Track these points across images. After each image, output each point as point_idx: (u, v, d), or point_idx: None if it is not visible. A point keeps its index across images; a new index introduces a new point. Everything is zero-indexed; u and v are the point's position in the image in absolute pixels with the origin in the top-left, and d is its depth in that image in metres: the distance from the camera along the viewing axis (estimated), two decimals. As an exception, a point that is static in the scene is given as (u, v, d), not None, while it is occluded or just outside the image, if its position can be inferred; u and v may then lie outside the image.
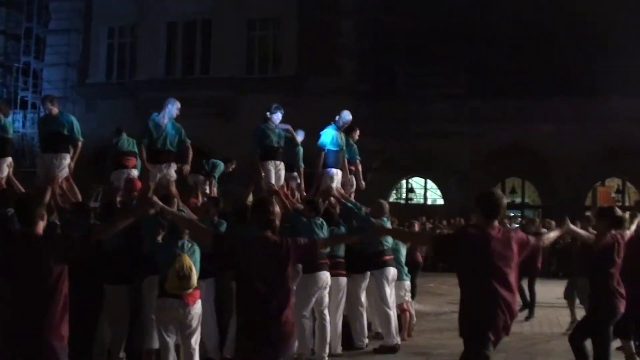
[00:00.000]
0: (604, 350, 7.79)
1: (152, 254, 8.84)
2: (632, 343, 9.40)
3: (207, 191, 13.30)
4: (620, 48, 32.12)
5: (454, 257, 6.51)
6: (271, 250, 5.88)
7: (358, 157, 13.84)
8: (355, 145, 13.80)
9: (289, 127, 12.94)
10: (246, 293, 5.88)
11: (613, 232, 8.02)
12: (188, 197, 12.29)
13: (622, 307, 7.93)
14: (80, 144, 11.77)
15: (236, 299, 6.08)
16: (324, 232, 10.52)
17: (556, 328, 14.07)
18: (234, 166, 14.59)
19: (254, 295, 5.80)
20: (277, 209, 6.11)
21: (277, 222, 6.05)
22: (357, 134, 13.91)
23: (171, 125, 11.51)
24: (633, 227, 8.59)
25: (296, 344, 10.22)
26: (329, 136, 12.73)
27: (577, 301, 13.36)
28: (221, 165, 13.94)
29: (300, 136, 13.47)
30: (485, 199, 6.35)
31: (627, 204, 35.70)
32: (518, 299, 6.45)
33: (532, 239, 6.52)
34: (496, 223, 6.26)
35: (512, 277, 6.21)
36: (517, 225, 20.08)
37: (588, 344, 8.03)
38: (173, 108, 11.49)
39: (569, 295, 13.74)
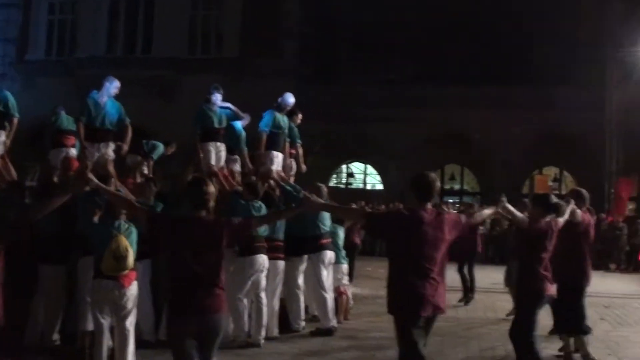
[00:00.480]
0: (529, 334, 7.89)
1: (88, 234, 8.75)
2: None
3: (145, 172, 13.17)
4: (558, 37, 32.55)
5: (385, 235, 6.62)
6: (205, 230, 5.86)
7: (299, 141, 13.83)
8: (296, 129, 13.79)
9: (229, 104, 12.87)
10: (178, 271, 5.85)
11: (547, 218, 8.12)
12: (126, 178, 12.17)
13: (548, 290, 8.04)
14: (16, 120, 11.45)
15: (169, 277, 6.03)
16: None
17: (491, 313, 14.27)
18: (173, 149, 14.46)
19: (187, 273, 5.78)
20: (211, 188, 6.05)
21: (212, 201, 6.01)
22: (299, 118, 13.88)
23: (110, 104, 11.35)
24: (566, 215, 8.69)
25: (232, 326, 10.30)
26: (269, 118, 12.70)
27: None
28: (160, 147, 13.78)
29: (246, 120, 13.35)
30: (419, 181, 6.41)
31: (564, 192, 36.18)
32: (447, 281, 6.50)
33: (463, 217, 6.62)
34: (429, 205, 6.33)
35: (442, 259, 6.29)
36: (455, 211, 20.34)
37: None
38: (111, 86, 11.33)
39: (509, 282, 13.94)
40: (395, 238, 6.32)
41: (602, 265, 25.52)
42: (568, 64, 31.98)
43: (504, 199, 7.64)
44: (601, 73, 31.28)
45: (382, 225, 6.56)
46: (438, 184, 6.47)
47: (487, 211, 7.44)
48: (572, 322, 9.40)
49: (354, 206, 15.19)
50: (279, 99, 12.97)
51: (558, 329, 9.97)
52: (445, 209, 21.57)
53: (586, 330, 9.34)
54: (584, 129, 32.75)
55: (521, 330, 7.91)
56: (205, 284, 5.77)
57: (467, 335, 11.74)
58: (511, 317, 12.82)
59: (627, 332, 12.63)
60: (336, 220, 12.27)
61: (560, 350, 10.11)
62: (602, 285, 18.62)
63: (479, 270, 16.49)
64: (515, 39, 33.36)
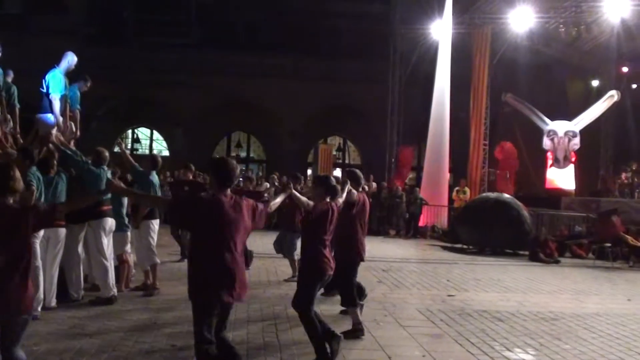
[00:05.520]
0: (310, 307, 8.19)
1: None
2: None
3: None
4: (347, 11, 33.31)
5: (188, 223, 6.67)
6: (9, 217, 5.63)
7: (78, 106, 13.40)
8: (78, 93, 13.38)
9: None
10: None
11: (328, 199, 8.45)
12: None
13: (330, 271, 8.39)
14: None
15: None
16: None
17: (273, 277, 14.49)
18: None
19: None
20: (17, 173, 5.84)
21: (18, 186, 5.80)
22: (88, 85, 13.50)
23: None
24: (344, 195, 9.06)
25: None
26: (59, 80, 12.18)
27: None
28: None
29: (9, 76, 12.77)
30: (219, 167, 6.55)
31: (347, 161, 37.29)
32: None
33: (260, 205, 6.80)
34: (228, 191, 6.48)
35: (241, 243, 6.47)
36: (241, 179, 20.30)
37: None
38: None
39: (279, 250, 14.40)
40: (198, 223, 6.38)
41: (382, 232, 26.46)
42: (354, 36, 32.79)
43: (291, 186, 7.93)
44: (386, 47, 32.19)
45: (183, 213, 6.53)
46: (238, 170, 6.66)
47: (279, 199, 7.65)
48: (345, 296, 9.84)
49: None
50: (63, 59, 12.45)
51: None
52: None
53: (355, 304, 9.72)
54: (368, 101, 33.82)
55: (303, 304, 8.19)
56: (10, 277, 5.57)
57: (249, 301, 11.75)
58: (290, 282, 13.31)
59: (403, 294, 13.19)
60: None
61: (342, 312, 10.61)
62: (382, 250, 19.36)
63: (262, 237, 16.70)
64: (306, 11, 33.82)
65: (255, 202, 6.75)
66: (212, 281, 6.27)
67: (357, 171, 10.51)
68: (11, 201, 5.76)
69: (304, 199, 8.39)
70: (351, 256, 9.68)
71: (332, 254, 8.59)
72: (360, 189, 10.07)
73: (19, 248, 5.64)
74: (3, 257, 5.54)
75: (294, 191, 8.07)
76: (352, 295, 9.72)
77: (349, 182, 9.55)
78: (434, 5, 29.68)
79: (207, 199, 6.45)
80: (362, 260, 9.94)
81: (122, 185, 6.93)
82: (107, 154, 11.67)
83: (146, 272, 12.48)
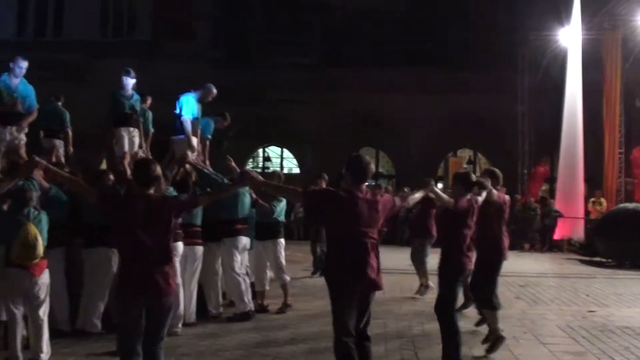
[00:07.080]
0: (450, 307, 8.18)
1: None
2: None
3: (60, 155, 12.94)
4: (472, 20, 32.93)
5: (323, 214, 6.80)
6: (152, 206, 6.03)
7: (209, 136, 13.75)
8: (213, 125, 13.74)
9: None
10: (129, 247, 6.02)
11: (468, 196, 8.38)
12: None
13: (470, 265, 8.46)
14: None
15: (120, 255, 6.39)
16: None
17: (408, 293, 14.36)
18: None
19: (137, 249, 5.93)
20: (159, 168, 6.26)
21: (159, 180, 6.40)
22: (225, 124, 13.92)
23: (23, 87, 11.10)
24: (484, 194, 8.90)
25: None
26: (192, 105, 12.50)
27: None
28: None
29: (147, 101, 13.16)
30: (354, 163, 6.72)
31: (478, 174, 36.68)
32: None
33: (397, 200, 6.98)
34: (364, 186, 6.62)
35: (373, 236, 6.54)
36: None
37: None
38: (16, 66, 10.97)
39: (414, 258, 14.29)
40: (332, 217, 6.58)
41: (516, 246, 25.97)
42: (481, 47, 32.36)
43: (432, 182, 7.96)
44: (514, 56, 31.73)
45: (320, 204, 6.74)
46: (373, 166, 6.78)
47: (418, 194, 7.74)
48: (484, 297, 9.65)
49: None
50: (205, 91, 12.79)
51: (476, 304, 10.38)
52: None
53: (496, 306, 9.54)
54: (497, 112, 33.19)
55: (444, 303, 8.17)
56: (155, 260, 5.93)
57: (384, 317, 11.67)
58: (418, 297, 13.28)
59: (542, 310, 12.88)
60: (255, 205, 12.19)
61: (476, 324, 10.51)
62: (518, 265, 18.97)
63: (395, 253, 16.64)
64: (430, 22, 33.64)
65: (392, 198, 6.95)
66: (345, 273, 6.44)
67: (496, 170, 10.27)
68: (151, 191, 6.14)
69: (444, 195, 8.34)
70: (492, 255, 9.50)
71: (473, 252, 8.54)
72: (500, 187, 9.90)
73: (162, 232, 6.04)
74: (149, 242, 5.91)
75: (434, 187, 8.06)
76: (491, 297, 9.54)
77: (490, 180, 9.43)
78: (562, 11, 29.03)
79: (342, 194, 6.59)
80: (504, 259, 9.75)
81: (259, 176, 7.04)
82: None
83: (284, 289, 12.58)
